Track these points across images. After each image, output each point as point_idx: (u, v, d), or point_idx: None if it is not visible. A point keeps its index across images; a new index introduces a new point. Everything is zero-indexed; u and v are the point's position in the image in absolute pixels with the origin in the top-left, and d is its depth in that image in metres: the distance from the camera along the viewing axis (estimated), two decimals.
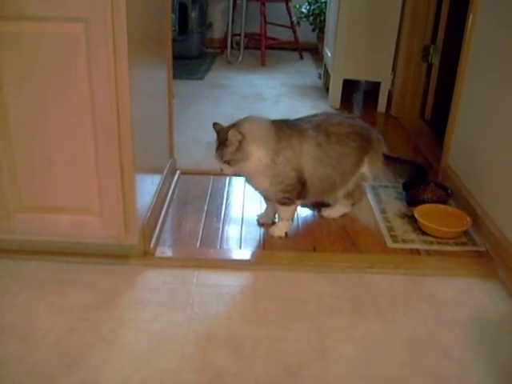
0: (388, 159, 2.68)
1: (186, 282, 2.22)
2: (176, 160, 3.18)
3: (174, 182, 3.03)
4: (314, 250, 2.50)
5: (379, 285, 2.28)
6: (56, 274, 2.26)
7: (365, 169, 2.64)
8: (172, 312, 2.08)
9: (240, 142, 2.25)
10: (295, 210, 2.58)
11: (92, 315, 2.05)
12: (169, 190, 2.92)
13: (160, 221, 2.61)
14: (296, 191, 2.44)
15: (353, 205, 2.78)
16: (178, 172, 3.14)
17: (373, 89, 4.86)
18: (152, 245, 2.41)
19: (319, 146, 2.43)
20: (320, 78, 5.54)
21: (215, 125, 2.40)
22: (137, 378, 1.78)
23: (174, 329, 2.00)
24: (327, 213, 2.77)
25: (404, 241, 2.57)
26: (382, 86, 4.55)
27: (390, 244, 2.55)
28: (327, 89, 4.93)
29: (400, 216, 2.80)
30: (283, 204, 2.48)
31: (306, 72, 5.90)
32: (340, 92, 4.62)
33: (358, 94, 5.15)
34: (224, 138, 2.28)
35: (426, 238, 2.61)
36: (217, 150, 2.31)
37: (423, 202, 2.84)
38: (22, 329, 1.97)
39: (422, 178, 2.88)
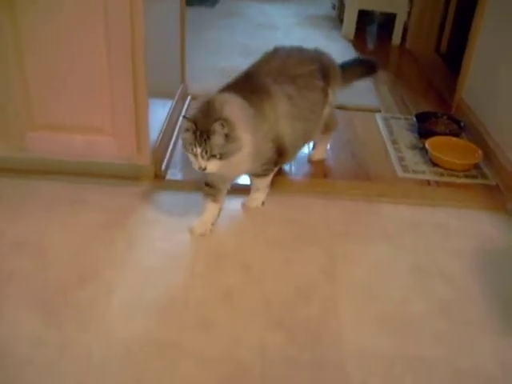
0: (342, 75, 2.50)
1: (197, 204, 2.24)
2: (187, 85, 3.14)
3: (185, 107, 3.01)
4: (325, 176, 2.51)
5: (388, 213, 2.30)
6: (68, 193, 2.28)
7: (330, 98, 2.44)
8: (182, 232, 2.11)
9: (228, 132, 1.88)
10: (271, 177, 2.27)
11: (104, 234, 2.08)
12: (180, 114, 2.90)
13: (171, 145, 2.61)
14: (274, 160, 2.17)
15: (332, 133, 2.66)
16: (189, 97, 3.12)
17: (387, 21, 4.77)
18: (163, 168, 2.42)
19: (290, 99, 2.18)
20: (334, 8, 5.42)
21: (186, 117, 1.93)
22: (148, 293, 1.82)
23: (184, 248, 2.03)
24: (316, 156, 2.66)
25: (414, 171, 2.58)
26: (397, 18, 4.46)
27: (400, 174, 2.55)
28: (341, 20, 4.84)
29: (411, 147, 2.80)
30: (262, 176, 2.22)
31: (320, 2, 5.77)
32: (354, 23, 4.54)
33: (372, 26, 5.05)
34: (206, 127, 1.86)
35: (436, 169, 2.61)
36: (196, 144, 1.88)
37: (435, 134, 2.82)
38: (36, 245, 2.00)
39: (373, 70, 2.72)
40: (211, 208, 2.14)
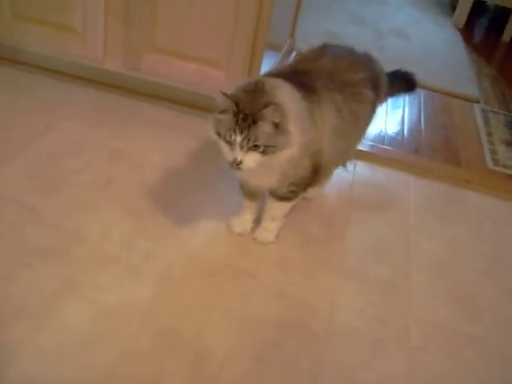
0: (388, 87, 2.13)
1: None
2: (295, 41, 3.20)
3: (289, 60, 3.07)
4: (416, 152, 2.55)
5: (472, 200, 2.32)
6: (172, 119, 2.40)
7: (375, 112, 2.08)
8: None
9: (279, 121, 1.51)
10: (292, 205, 1.87)
11: (198, 162, 2.19)
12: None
13: None
14: (306, 181, 1.79)
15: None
16: (294, 53, 3.17)
17: (501, 15, 4.65)
18: None
19: (338, 111, 1.77)
20: None
21: (224, 93, 1.52)
22: None
23: None
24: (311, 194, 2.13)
25: (505, 166, 2.58)
26: None
27: (490, 165, 2.56)
28: (453, 7, 4.74)
29: (505, 143, 2.79)
30: (284, 199, 1.82)
31: None
32: (467, 12, 4.45)
33: (484, 18, 4.93)
34: (252, 110, 1.49)
35: None
36: (237, 130, 1.49)
37: None
38: (135, 159, 2.13)
39: (412, 86, 2.27)
40: (250, 206, 1.89)
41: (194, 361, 1.45)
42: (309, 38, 3.38)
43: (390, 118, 2.83)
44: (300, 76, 1.73)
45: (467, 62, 3.80)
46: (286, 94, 1.59)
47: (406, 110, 2.96)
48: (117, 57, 2.34)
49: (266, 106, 1.47)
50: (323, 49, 1.96)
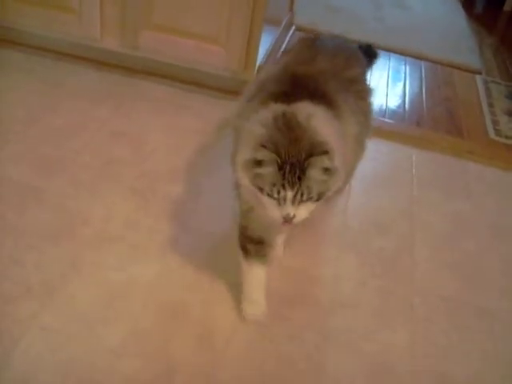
0: None
1: None
2: (294, 15, 3.17)
3: (288, 36, 3.04)
4: (417, 124, 2.54)
5: (474, 171, 2.32)
6: (171, 97, 2.39)
7: None
8: None
9: (330, 165, 1.24)
10: None
11: (200, 140, 2.17)
12: (283, 43, 2.93)
13: None
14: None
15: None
16: (294, 28, 3.15)
17: None
18: None
19: (355, 116, 1.53)
20: None
21: (263, 146, 1.21)
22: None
23: None
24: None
25: (507, 137, 2.57)
26: None
27: (492, 136, 2.55)
28: None
29: (507, 113, 2.77)
30: None
31: None
32: None
33: None
34: (297, 157, 1.21)
35: None
36: (286, 185, 1.21)
37: None
38: (136, 138, 2.12)
39: (374, 58, 2.01)
40: (260, 275, 1.51)
41: (201, 336, 1.47)
42: (308, 11, 3.37)
43: (391, 90, 2.82)
44: (307, 83, 1.43)
45: (468, 33, 3.77)
46: (322, 121, 1.31)
47: (407, 82, 2.94)
48: (114, 35, 2.33)
49: (312, 150, 1.21)
50: (314, 45, 1.73)
